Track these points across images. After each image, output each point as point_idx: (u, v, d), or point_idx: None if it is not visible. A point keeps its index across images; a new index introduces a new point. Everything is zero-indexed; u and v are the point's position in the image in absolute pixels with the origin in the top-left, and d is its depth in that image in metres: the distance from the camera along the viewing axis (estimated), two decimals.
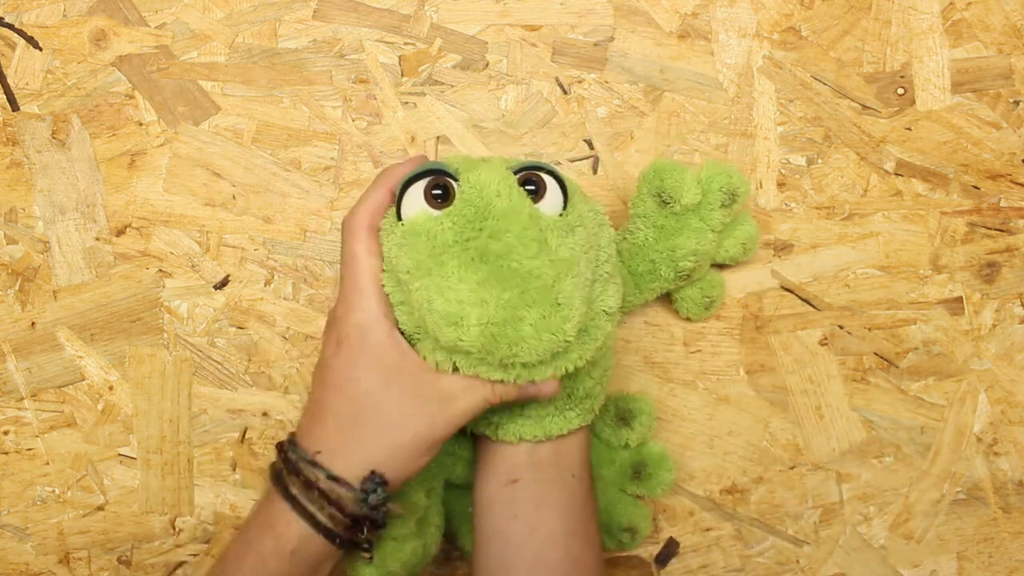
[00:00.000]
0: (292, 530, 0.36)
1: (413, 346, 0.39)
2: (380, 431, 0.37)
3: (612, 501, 0.48)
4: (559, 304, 0.36)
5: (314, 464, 0.37)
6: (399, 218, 0.39)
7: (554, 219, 0.39)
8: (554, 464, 0.43)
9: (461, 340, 0.36)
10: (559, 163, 0.54)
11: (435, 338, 0.38)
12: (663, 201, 0.46)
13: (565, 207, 0.40)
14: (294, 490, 0.37)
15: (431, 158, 0.54)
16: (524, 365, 0.38)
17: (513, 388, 0.39)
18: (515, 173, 0.39)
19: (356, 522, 0.37)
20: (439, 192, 0.38)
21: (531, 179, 0.39)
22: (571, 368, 0.40)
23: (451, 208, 0.38)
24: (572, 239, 0.39)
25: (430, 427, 0.37)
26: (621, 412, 0.48)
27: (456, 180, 0.39)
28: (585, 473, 0.45)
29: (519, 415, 0.43)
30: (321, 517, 0.36)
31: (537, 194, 0.39)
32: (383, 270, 0.40)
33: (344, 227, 0.40)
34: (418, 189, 0.39)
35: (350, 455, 0.37)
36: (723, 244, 0.49)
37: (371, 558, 0.39)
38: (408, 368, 0.38)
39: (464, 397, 0.38)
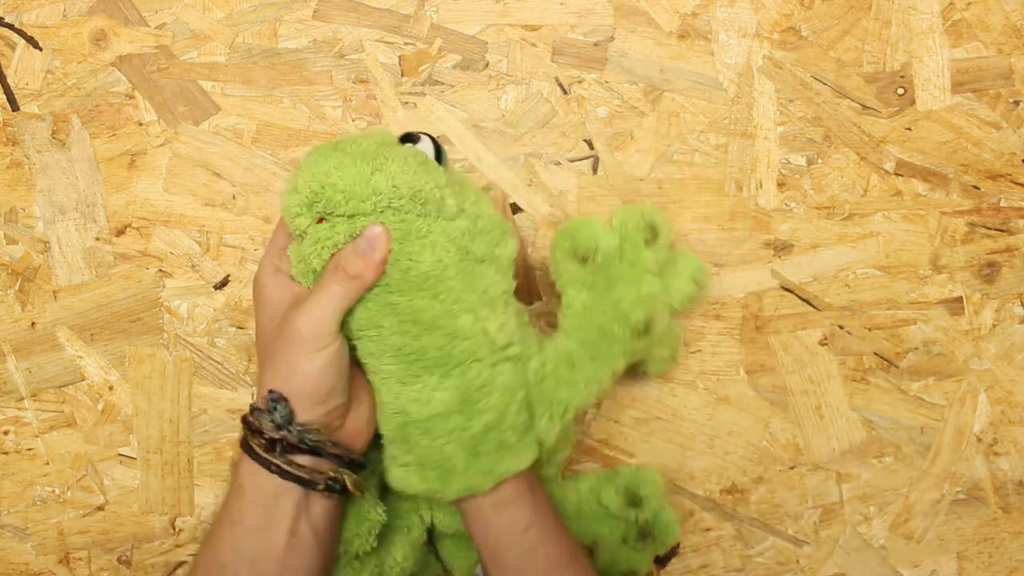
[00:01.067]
0: (242, 466, 0.39)
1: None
2: (273, 355, 0.39)
3: (613, 552, 0.48)
4: (376, 171, 0.38)
5: (253, 408, 0.39)
6: None
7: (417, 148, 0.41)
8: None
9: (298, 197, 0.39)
10: (559, 163, 0.54)
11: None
12: (582, 258, 0.43)
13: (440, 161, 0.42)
14: (244, 436, 0.39)
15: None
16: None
17: (349, 252, 0.39)
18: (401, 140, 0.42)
19: (272, 444, 0.38)
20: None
21: (407, 136, 0.41)
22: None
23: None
24: (421, 158, 0.40)
25: (296, 324, 0.39)
26: (631, 495, 0.46)
27: None
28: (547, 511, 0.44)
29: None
30: (253, 445, 0.38)
31: (408, 142, 0.41)
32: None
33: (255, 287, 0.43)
34: None
35: (262, 389, 0.39)
36: (671, 286, 0.46)
37: (332, 490, 0.39)
38: (288, 297, 0.41)
39: (324, 291, 0.39)
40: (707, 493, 0.53)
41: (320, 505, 0.39)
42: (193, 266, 0.53)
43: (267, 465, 0.38)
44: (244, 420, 0.39)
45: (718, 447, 0.53)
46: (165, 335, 0.53)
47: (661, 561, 0.52)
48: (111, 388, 0.53)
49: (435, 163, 0.41)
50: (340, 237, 0.39)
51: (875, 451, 0.53)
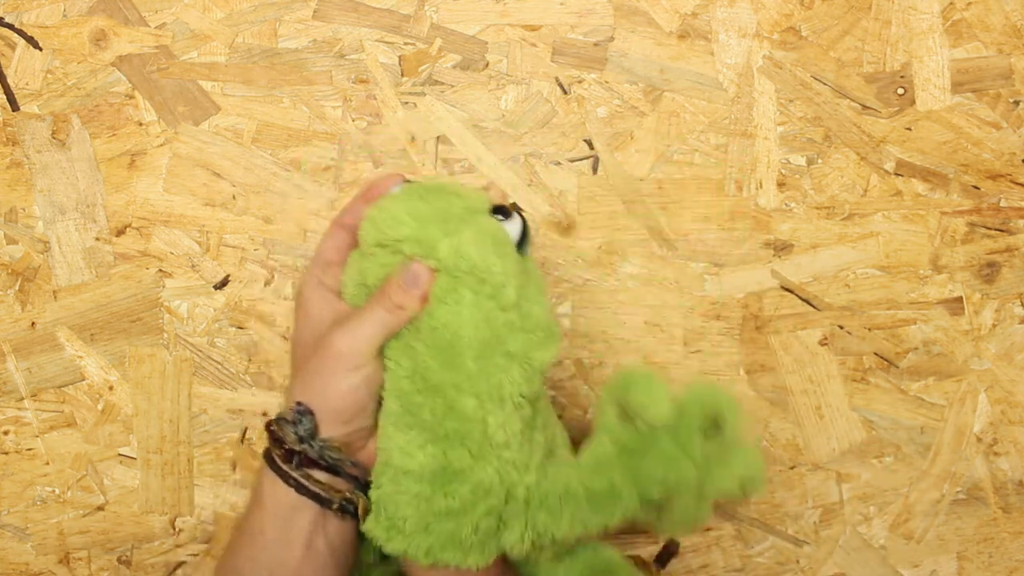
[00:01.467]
0: (263, 478, 0.39)
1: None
2: (308, 368, 0.39)
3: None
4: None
5: (278, 418, 0.39)
6: None
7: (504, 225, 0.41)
8: None
9: (391, 243, 0.40)
10: (559, 163, 0.54)
11: None
12: (626, 415, 0.40)
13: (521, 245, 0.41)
14: (273, 452, 0.39)
15: (432, 158, 0.54)
16: None
17: (395, 283, 0.39)
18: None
19: (291, 455, 0.38)
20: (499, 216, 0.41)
21: (499, 208, 0.41)
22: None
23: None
24: (507, 239, 0.40)
25: (335, 341, 0.39)
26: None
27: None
28: None
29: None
30: (275, 457, 0.38)
31: (499, 215, 0.41)
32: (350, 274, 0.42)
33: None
34: None
35: (290, 400, 0.39)
36: (714, 474, 0.39)
37: (344, 513, 0.39)
38: (331, 313, 0.41)
39: (366, 317, 0.39)
40: None
41: (335, 524, 0.39)
42: (193, 266, 0.53)
43: (285, 478, 0.38)
44: (268, 429, 0.39)
45: None
46: (165, 335, 0.53)
47: (661, 561, 0.52)
48: (111, 388, 0.53)
49: (513, 248, 0.40)
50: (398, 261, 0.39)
51: (875, 451, 0.53)
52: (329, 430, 0.39)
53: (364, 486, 0.40)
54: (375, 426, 0.40)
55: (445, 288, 0.38)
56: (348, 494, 0.39)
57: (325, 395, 0.39)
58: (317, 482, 0.38)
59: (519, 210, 0.41)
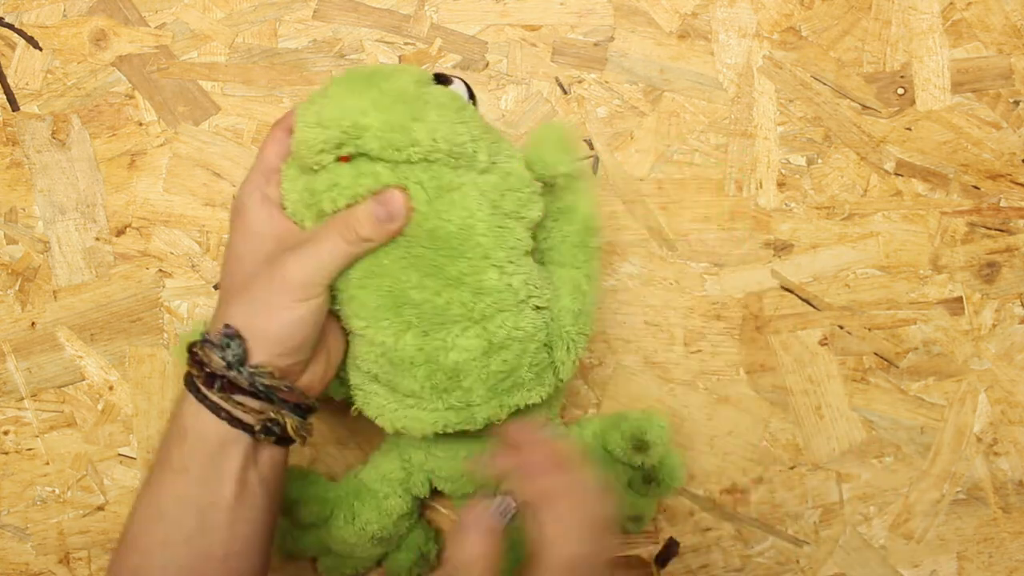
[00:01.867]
0: (184, 408, 0.36)
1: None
2: (249, 290, 0.36)
3: (618, 497, 0.48)
4: (414, 119, 0.36)
5: (204, 340, 0.36)
6: None
7: (448, 89, 0.39)
8: None
9: (358, 141, 0.36)
10: None
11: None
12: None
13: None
14: (195, 378, 0.36)
15: None
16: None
17: (364, 212, 0.37)
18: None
19: (213, 378, 0.36)
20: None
21: (439, 77, 0.39)
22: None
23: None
24: (459, 103, 0.38)
25: (287, 269, 0.36)
26: (637, 440, 0.46)
27: None
28: None
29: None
30: (200, 385, 0.36)
31: (440, 82, 0.39)
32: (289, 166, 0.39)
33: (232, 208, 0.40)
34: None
35: (220, 320, 0.36)
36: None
37: (257, 432, 0.36)
38: (276, 231, 0.38)
39: (323, 242, 0.37)
40: (707, 493, 0.53)
41: (267, 453, 0.37)
42: (193, 266, 0.53)
43: (215, 409, 0.35)
44: (191, 351, 0.36)
45: (718, 447, 0.53)
46: (165, 335, 0.53)
47: (661, 561, 0.52)
48: (111, 388, 0.53)
49: (472, 110, 0.39)
50: (362, 188, 0.36)
51: (875, 451, 0.53)
52: (261, 357, 0.36)
53: (301, 410, 0.38)
54: (311, 360, 0.39)
55: (429, 184, 0.37)
56: (272, 414, 0.37)
57: (268, 323, 0.36)
58: (249, 410, 0.36)
59: (455, 76, 0.40)
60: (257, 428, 0.36)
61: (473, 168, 0.37)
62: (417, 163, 0.36)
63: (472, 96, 0.40)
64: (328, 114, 0.36)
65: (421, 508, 0.50)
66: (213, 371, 0.35)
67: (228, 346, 0.35)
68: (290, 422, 0.37)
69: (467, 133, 0.37)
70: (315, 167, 0.37)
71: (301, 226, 0.38)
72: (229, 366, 0.35)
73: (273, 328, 0.36)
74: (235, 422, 0.36)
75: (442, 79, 0.39)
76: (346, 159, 0.36)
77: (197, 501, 0.36)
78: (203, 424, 0.36)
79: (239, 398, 0.36)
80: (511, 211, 0.39)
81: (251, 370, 0.36)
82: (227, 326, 0.36)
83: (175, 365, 0.53)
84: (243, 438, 0.36)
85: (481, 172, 0.38)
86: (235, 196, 0.40)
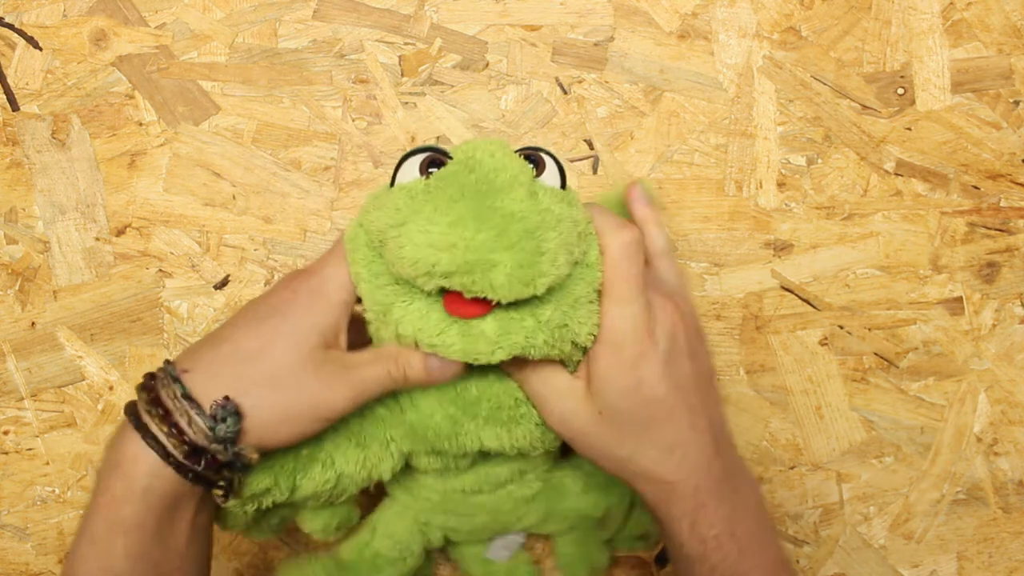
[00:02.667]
0: (140, 465, 0.32)
1: (374, 329, 0.37)
2: (266, 371, 0.33)
3: (623, 519, 0.48)
4: (541, 253, 0.33)
5: (175, 379, 0.33)
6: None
7: (550, 186, 0.36)
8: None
9: (437, 280, 0.33)
10: None
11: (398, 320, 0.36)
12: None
13: (563, 188, 0.38)
14: (143, 412, 0.33)
15: None
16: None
17: (418, 360, 0.36)
18: (516, 152, 0.37)
19: (197, 452, 0.33)
20: (434, 170, 0.36)
21: (531, 156, 0.37)
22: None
23: (440, 169, 0.36)
24: (566, 208, 0.35)
25: (323, 388, 0.34)
26: (643, 531, 0.48)
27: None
28: None
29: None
30: (168, 444, 0.32)
31: (536, 167, 0.37)
32: (358, 241, 0.37)
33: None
34: (414, 162, 0.37)
35: (218, 380, 0.33)
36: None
37: (225, 498, 0.35)
38: (328, 322, 0.36)
39: (368, 367, 0.35)
40: None
41: (212, 500, 0.35)
42: (193, 266, 0.53)
43: (182, 470, 0.33)
44: (161, 406, 0.33)
45: None
46: (165, 335, 0.53)
47: (661, 561, 0.52)
48: (111, 388, 0.53)
49: (575, 201, 0.37)
50: (453, 338, 0.34)
51: (875, 451, 0.53)
52: (251, 440, 0.33)
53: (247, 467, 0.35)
54: None
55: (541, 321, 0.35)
56: (232, 476, 0.34)
57: (281, 424, 0.34)
58: (214, 470, 0.33)
59: (544, 152, 0.38)
60: (221, 486, 0.34)
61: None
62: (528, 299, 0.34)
63: (563, 174, 0.37)
64: (443, 237, 0.32)
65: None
66: (190, 439, 0.32)
67: (224, 420, 0.32)
68: (239, 477, 0.35)
69: (581, 242, 0.36)
70: (408, 288, 0.35)
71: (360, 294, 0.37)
72: (214, 439, 0.32)
73: (284, 432, 0.34)
74: (200, 480, 0.33)
75: (529, 158, 0.37)
76: (453, 299, 0.34)
77: (152, 556, 0.33)
78: (163, 481, 0.33)
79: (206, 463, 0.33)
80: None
81: (236, 450, 0.33)
82: (227, 399, 0.33)
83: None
84: (198, 491, 0.34)
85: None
86: (313, 267, 0.37)
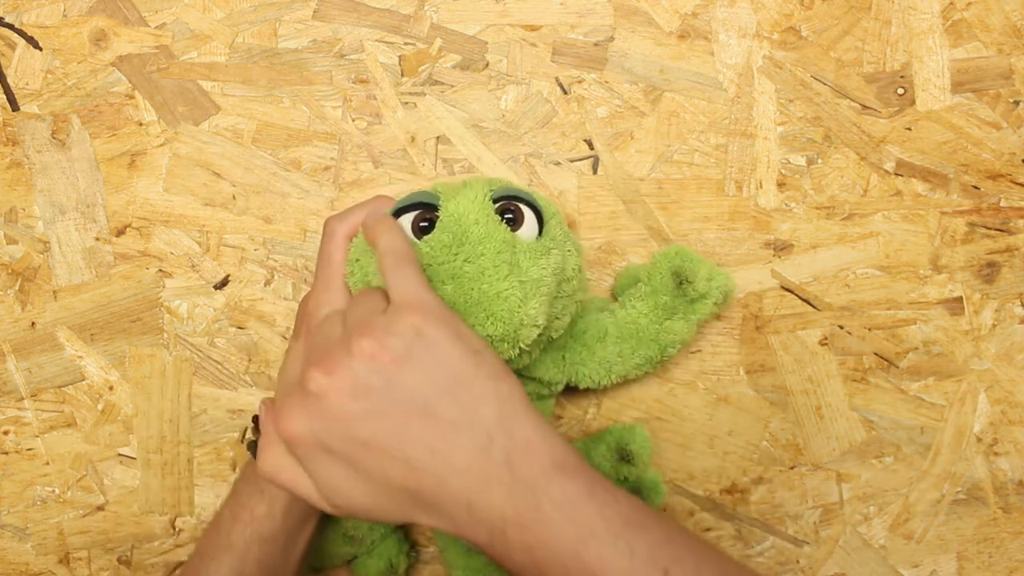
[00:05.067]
0: (281, 494, 0.41)
1: None
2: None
3: None
4: (522, 325, 0.39)
5: None
6: None
7: (529, 243, 0.41)
8: None
9: None
10: (559, 163, 0.54)
11: None
12: (679, 281, 0.47)
13: (540, 233, 0.42)
14: None
15: (432, 158, 0.54)
16: None
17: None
18: (495, 201, 0.41)
19: None
20: (425, 225, 0.41)
21: (509, 208, 0.41)
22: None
23: (430, 236, 0.40)
24: (545, 260, 0.41)
25: None
26: (621, 450, 0.48)
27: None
28: None
29: None
30: None
31: (515, 223, 0.41)
32: (355, 277, 0.42)
33: (326, 228, 0.43)
34: (407, 220, 0.41)
35: None
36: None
37: None
38: None
39: None
40: (707, 493, 0.53)
41: None
42: (193, 266, 0.53)
43: None
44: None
45: (718, 447, 0.53)
46: (165, 335, 0.53)
47: None
48: (111, 388, 0.53)
49: (558, 246, 0.43)
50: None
51: (875, 451, 0.53)
52: None
53: None
54: None
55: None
56: None
57: None
58: None
59: (522, 200, 0.42)
60: None
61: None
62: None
63: (540, 219, 0.42)
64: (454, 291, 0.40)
65: None
66: None
67: None
68: None
69: (561, 280, 0.42)
70: None
71: None
72: None
73: None
74: None
75: (507, 208, 0.41)
76: None
77: (275, 565, 0.41)
78: (300, 504, 0.41)
79: None
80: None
81: None
82: None
83: (174, 365, 0.53)
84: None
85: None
86: (309, 303, 0.42)
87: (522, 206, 0.41)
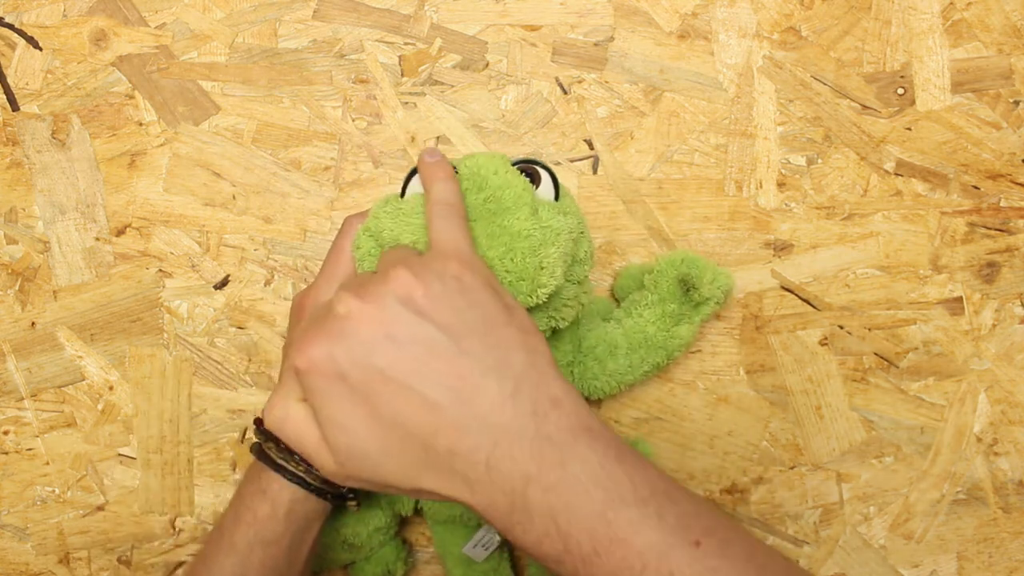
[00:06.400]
0: (284, 494, 0.39)
1: None
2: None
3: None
4: (542, 268, 0.38)
5: None
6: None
7: (547, 200, 0.41)
8: None
9: None
10: (559, 163, 0.54)
11: None
12: (686, 288, 0.47)
13: (557, 199, 0.42)
14: (276, 458, 0.39)
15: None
16: None
17: None
18: (512, 164, 0.42)
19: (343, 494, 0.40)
20: None
21: (527, 171, 0.41)
22: None
23: None
24: (563, 218, 0.40)
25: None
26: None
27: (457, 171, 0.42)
28: None
29: None
30: (308, 479, 0.39)
31: (532, 182, 0.41)
32: (372, 247, 0.41)
33: (344, 224, 0.43)
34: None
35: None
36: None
37: (357, 505, 0.42)
38: None
39: None
40: (707, 493, 0.53)
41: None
42: (193, 266, 0.53)
43: (321, 495, 0.39)
44: (296, 453, 0.39)
45: (718, 447, 0.53)
46: (165, 335, 0.53)
47: None
48: (111, 388, 0.53)
49: (572, 208, 0.42)
50: None
51: (875, 451, 0.53)
52: None
53: None
54: None
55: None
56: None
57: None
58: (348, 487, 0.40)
59: (539, 164, 0.42)
60: (352, 497, 0.40)
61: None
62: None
63: (556, 184, 0.42)
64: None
65: (399, 524, 0.50)
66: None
67: None
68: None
69: (576, 246, 0.41)
70: None
71: None
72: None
73: None
74: (336, 497, 0.40)
75: (526, 171, 0.42)
76: None
77: (280, 567, 0.40)
78: (303, 505, 0.39)
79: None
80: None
81: None
82: None
83: (174, 365, 0.53)
84: (328, 508, 0.40)
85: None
86: (307, 296, 0.42)
87: (539, 169, 0.42)
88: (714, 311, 0.49)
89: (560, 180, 0.43)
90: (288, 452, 0.38)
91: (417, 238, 0.39)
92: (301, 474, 0.39)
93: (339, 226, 0.52)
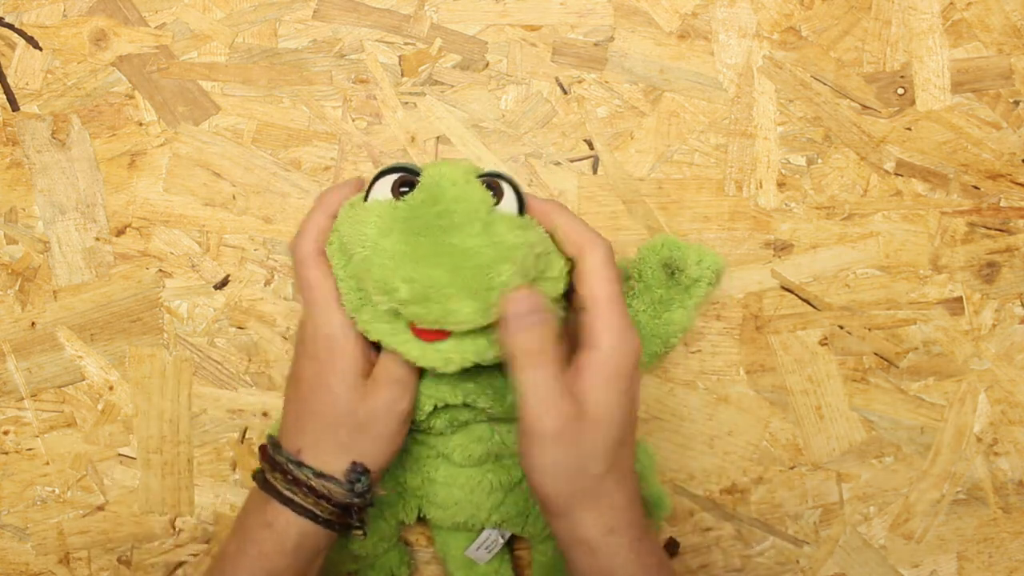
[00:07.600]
0: (292, 529, 0.39)
1: (356, 316, 0.40)
2: (356, 428, 0.39)
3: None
4: (491, 288, 0.37)
5: (300, 464, 0.39)
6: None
7: (509, 215, 0.39)
8: None
9: (395, 305, 0.37)
10: (559, 163, 0.54)
11: (374, 307, 0.39)
12: (670, 271, 0.46)
13: (521, 214, 0.40)
14: (284, 490, 0.39)
15: (432, 158, 0.54)
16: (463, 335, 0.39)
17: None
18: (478, 177, 0.40)
19: (346, 509, 0.40)
20: (405, 189, 0.39)
21: (490, 184, 0.40)
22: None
23: (409, 195, 0.39)
24: (523, 232, 0.39)
25: (392, 411, 0.40)
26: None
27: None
28: None
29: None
30: (317, 511, 0.39)
31: (494, 196, 0.39)
32: (339, 257, 0.41)
33: (294, 256, 0.41)
34: (386, 183, 0.40)
35: (332, 452, 0.39)
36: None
37: (364, 534, 0.41)
38: (354, 349, 0.41)
39: (413, 377, 0.41)
40: (707, 493, 0.53)
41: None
42: (193, 266, 0.53)
43: (330, 526, 0.39)
44: (303, 485, 0.39)
45: (718, 447, 0.53)
46: (165, 335, 0.53)
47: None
48: (111, 388, 0.53)
49: (534, 230, 0.40)
50: (413, 350, 0.39)
51: (875, 451, 0.53)
52: (375, 479, 0.40)
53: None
54: None
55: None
56: (363, 516, 0.41)
57: (375, 455, 0.40)
58: (356, 518, 0.40)
59: (501, 178, 0.40)
60: (358, 526, 0.40)
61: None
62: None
63: (521, 200, 0.40)
64: (403, 270, 0.36)
65: (401, 531, 0.50)
66: (337, 502, 0.39)
67: (358, 480, 0.39)
68: (366, 513, 0.41)
69: (539, 262, 0.39)
70: (390, 310, 0.38)
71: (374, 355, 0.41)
72: (354, 496, 0.39)
73: (390, 456, 0.41)
74: (344, 527, 0.40)
75: (489, 184, 0.40)
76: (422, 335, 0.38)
77: None
78: (311, 539, 0.39)
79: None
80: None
81: (373, 495, 0.40)
82: (355, 463, 0.39)
83: (174, 365, 0.53)
84: (332, 534, 0.40)
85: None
86: (306, 328, 0.41)
87: (503, 184, 0.40)
88: (708, 292, 0.46)
89: (523, 191, 0.41)
90: (296, 483, 0.38)
91: (368, 252, 0.38)
92: (310, 507, 0.38)
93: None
